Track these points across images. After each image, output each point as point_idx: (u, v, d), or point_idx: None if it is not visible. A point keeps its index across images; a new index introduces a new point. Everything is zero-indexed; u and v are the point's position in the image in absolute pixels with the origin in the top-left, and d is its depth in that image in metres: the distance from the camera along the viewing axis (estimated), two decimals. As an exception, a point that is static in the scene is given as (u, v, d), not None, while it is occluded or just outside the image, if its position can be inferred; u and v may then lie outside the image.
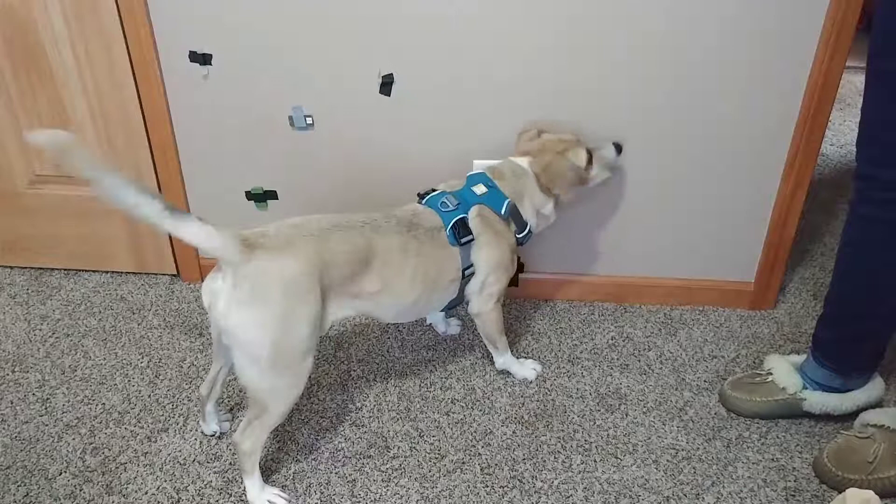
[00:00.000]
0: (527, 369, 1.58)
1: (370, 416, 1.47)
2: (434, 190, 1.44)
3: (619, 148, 1.55)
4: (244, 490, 1.30)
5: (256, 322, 1.13)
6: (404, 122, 1.64)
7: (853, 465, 1.29)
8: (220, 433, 1.42)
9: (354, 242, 1.24)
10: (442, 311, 1.49)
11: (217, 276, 1.15)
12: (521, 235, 1.46)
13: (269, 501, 1.28)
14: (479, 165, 1.66)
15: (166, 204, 1.06)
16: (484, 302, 1.46)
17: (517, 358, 1.59)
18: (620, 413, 1.48)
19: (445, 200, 1.39)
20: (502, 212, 1.41)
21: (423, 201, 1.41)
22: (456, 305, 1.47)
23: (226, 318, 1.13)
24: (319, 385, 1.55)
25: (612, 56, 1.51)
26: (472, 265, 1.40)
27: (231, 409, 1.48)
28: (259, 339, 1.14)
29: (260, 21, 1.55)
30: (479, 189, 1.42)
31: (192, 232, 1.08)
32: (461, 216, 1.37)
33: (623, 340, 1.68)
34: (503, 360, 1.56)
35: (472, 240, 1.38)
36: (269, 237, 1.16)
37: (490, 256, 1.41)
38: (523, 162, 1.47)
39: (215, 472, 1.34)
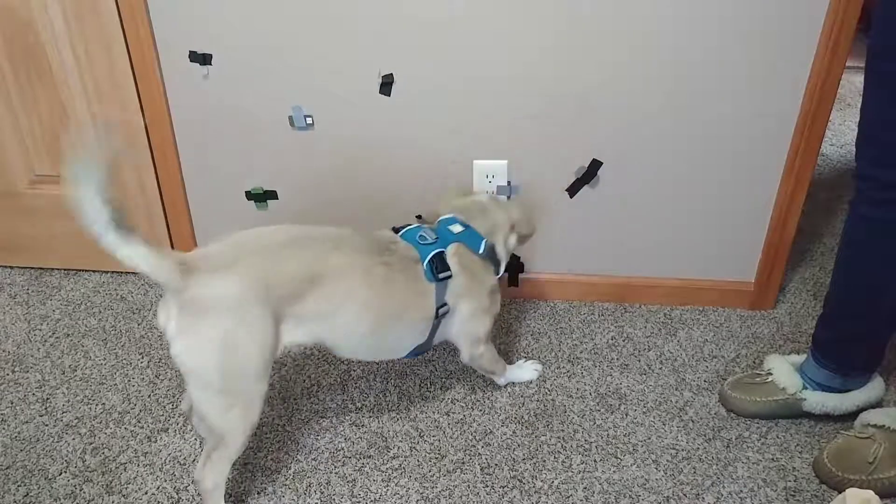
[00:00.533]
0: (528, 372, 1.57)
1: (370, 416, 1.47)
2: (408, 225, 1.37)
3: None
4: (244, 490, 1.31)
5: (199, 348, 1.09)
6: (404, 122, 1.64)
7: (853, 465, 1.29)
8: None
9: (306, 259, 1.17)
10: (406, 357, 1.38)
11: (166, 302, 1.10)
12: (498, 275, 1.42)
13: None
14: (479, 166, 1.67)
15: (116, 217, 0.99)
16: (473, 348, 1.41)
17: (515, 364, 1.58)
18: (620, 413, 1.48)
19: (424, 234, 1.33)
20: (480, 251, 1.36)
21: (399, 234, 1.34)
22: (423, 352, 1.40)
23: (173, 346, 1.09)
24: (319, 385, 1.55)
25: (612, 56, 1.51)
26: (445, 304, 1.32)
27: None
28: (204, 366, 1.09)
29: (260, 21, 1.55)
30: (456, 228, 1.36)
31: (129, 253, 1.02)
32: (439, 250, 1.31)
33: (623, 340, 1.68)
34: (504, 379, 1.54)
35: (450, 276, 1.31)
36: (209, 258, 1.11)
37: (468, 300, 1.34)
38: (486, 198, 1.44)
39: (215, 472, 1.34)
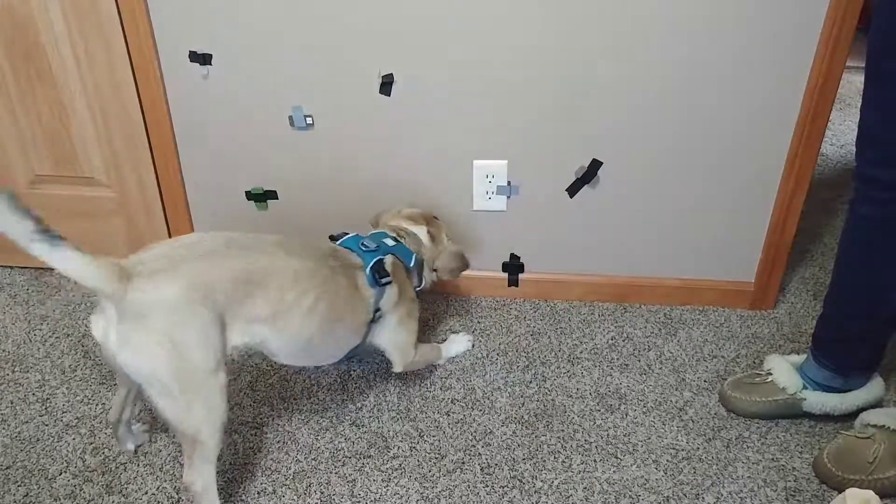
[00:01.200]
0: (462, 344, 1.65)
1: (370, 416, 1.47)
2: (346, 234, 1.43)
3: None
4: (244, 490, 1.31)
5: (149, 354, 1.08)
6: (404, 122, 1.64)
7: (853, 465, 1.29)
8: (139, 446, 1.39)
9: (249, 261, 1.17)
10: (339, 361, 1.43)
11: (102, 311, 1.09)
12: (417, 289, 1.50)
13: None
14: (479, 166, 1.67)
15: (40, 226, 0.98)
16: (405, 357, 1.47)
17: (445, 342, 1.64)
18: (620, 413, 1.48)
19: (365, 242, 1.39)
20: (411, 264, 1.44)
21: (338, 242, 1.39)
22: (353, 357, 1.46)
23: (119, 355, 1.08)
24: (319, 385, 1.55)
25: (613, 56, 1.51)
26: (380, 309, 1.36)
27: (149, 421, 1.44)
28: (156, 370, 1.09)
29: (260, 21, 1.55)
30: (389, 241, 1.43)
31: (63, 260, 1.01)
32: (381, 258, 1.37)
33: (623, 340, 1.68)
34: (442, 359, 1.61)
35: (390, 282, 1.36)
36: (145, 264, 1.09)
37: (399, 305, 1.41)
38: (421, 231, 1.51)
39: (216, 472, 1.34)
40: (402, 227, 1.50)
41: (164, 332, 1.07)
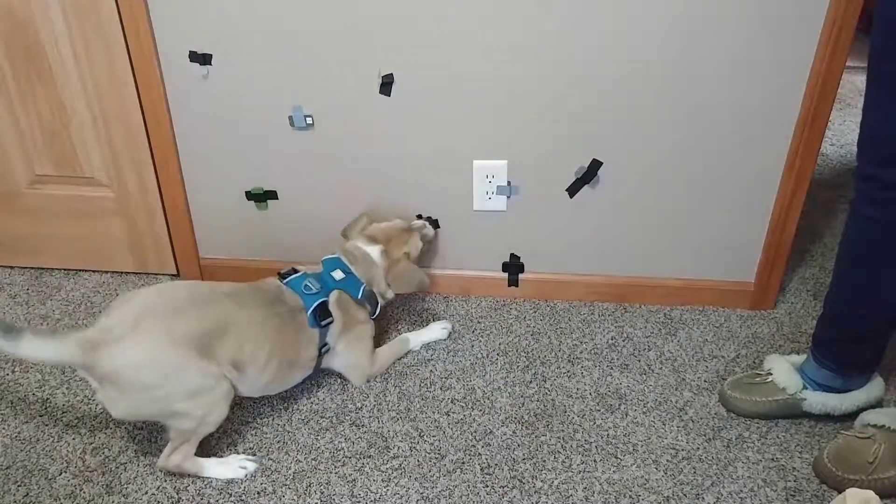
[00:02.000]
0: (436, 331, 1.68)
1: (370, 416, 1.47)
2: (295, 271, 1.48)
3: (435, 223, 1.70)
4: (244, 490, 1.31)
5: (137, 406, 1.21)
6: (404, 122, 1.64)
7: (853, 465, 1.29)
8: None
9: (209, 317, 1.25)
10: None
11: (87, 379, 1.20)
12: (374, 316, 1.55)
13: (241, 468, 1.34)
14: (479, 166, 1.67)
15: (3, 326, 1.09)
16: (362, 376, 1.55)
17: (424, 328, 1.69)
18: (620, 413, 1.48)
19: (308, 283, 1.43)
20: (359, 296, 1.49)
21: (285, 282, 1.44)
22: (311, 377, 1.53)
23: (115, 413, 1.22)
24: (319, 385, 1.55)
25: (613, 56, 1.51)
26: (327, 344, 1.45)
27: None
28: (151, 413, 1.23)
29: (260, 21, 1.55)
30: (338, 275, 1.48)
31: (32, 351, 1.11)
32: (322, 300, 1.43)
33: (623, 340, 1.68)
34: (412, 344, 1.65)
35: (332, 322, 1.44)
36: (111, 331, 1.16)
37: (347, 340, 1.49)
38: (374, 251, 1.54)
39: (215, 472, 1.35)
40: (358, 248, 1.54)
41: (144, 390, 1.18)
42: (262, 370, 1.34)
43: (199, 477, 1.33)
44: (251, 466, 1.34)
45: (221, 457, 1.36)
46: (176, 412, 1.23)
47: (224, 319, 1.27)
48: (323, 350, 1.45)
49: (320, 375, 1.57)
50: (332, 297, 1.45)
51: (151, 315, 1.20)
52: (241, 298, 1.32)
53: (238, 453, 1.38)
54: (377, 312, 1.55)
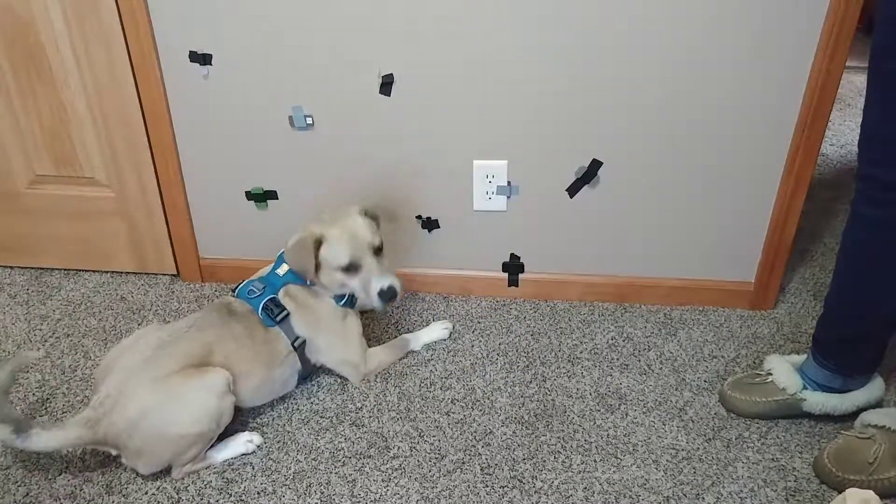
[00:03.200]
0: (437, 331, 1.67)
1: (370, 416, 1.47)
2: (241, 282, 1.49)
3: (385, 294, 1.40)
4: (244, 490, 1.31)
5: (163, 447, 1.27)
6: (404, 122, 1.64)
7: (853, 465, 1.29)
8: None
9: (185, 351, 1.31)
10: (298, 385, 1.53)
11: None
12: (342, 303, 1.48)
13: (248, 441, 1.38)
14: (479, 166, 1.67)
15: (15, 425, 1.18)
16: (357, 373, 1.54)
17: (424, 328, 1.68)
18: (620, 413, 1.48)
19: (252, 288, 1.45)
20: (307, 282, 1.46)
21: (235, 293, 1.46)
22: (310, 374, 1.54)
23: (144, 469, 1.30)
24: (319, 385, 1.55)
25: (612, 56, 1.51)
26: (298, 336, 1.45)
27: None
28: (179, 447, 1.28)
29: (260, 21, 1.55)
30: (282, 269, 1.46)
31: (44, 444, 1.20)
32: (269, 297, 1.43)
33: (623, 340, 1.68)
34: (413, 345, 1.64)
35: (288, 314, 1.43)
36: (104, 403, 1.25)
37: (321, 334, 1.47)
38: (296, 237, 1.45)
39: (215, 472, 1.34)
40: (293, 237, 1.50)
41: (156, 431, 1.25)
42: (247, 376, 1.37)
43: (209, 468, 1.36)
44: (257, 439, 1.39)
45: (225, 440, 1.39)
46: (195, 436, 1.28)
47: (197, 347, 1.32)
48: (296, 343, 1.44)
49: (319, 375, 1.57)
50: (282, 292, 1.44)
51: (133, 374, 1.27)
52: (201, 324, 1.37)
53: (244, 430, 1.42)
54: (348, 301, 1.48)
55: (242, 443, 1.38)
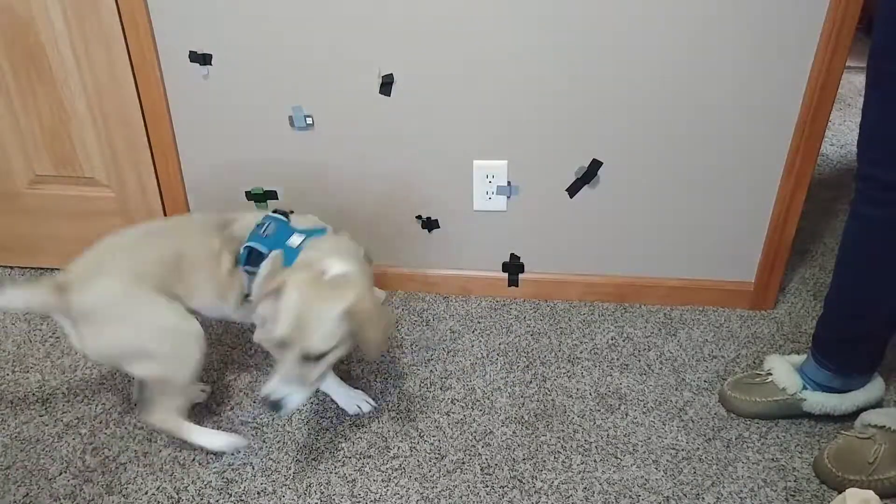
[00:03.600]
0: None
1: (370, 416, 1.47)
2: (292, 212, 1.40)
3: (267, 402, 1.15)
4: (244, 490, 1.31)
5: (108, 346, 1.23)
6: (404, 122, 1.64)
7: (853, 465, 1.29)
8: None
9: (165, 245, 1.30)
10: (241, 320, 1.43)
11: (62, 325, 1.25)
12: None
13: (231, 442, 1.36)
14: (479, 166, 1.67)
15: None
16: None
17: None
18: (620, 413, 1.48)
19: (268, 229, 1.32)
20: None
21: (262, 217, 1.36)
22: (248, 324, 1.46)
23: (87, 352, 1.24)
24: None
25: (612, 56, 1.51)
26: (249, 295, 1.34)
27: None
28: (122, 353, 1.24)
29: (260, 21, 1.55)
30: (295, 240, 1.31)
31: (5, 300, 1.18)
32: (252, 247, 1.30)
33: (623, 340, 1.68)
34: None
35: (253, 273, 1.31)
36: (76, 272, 1.23)
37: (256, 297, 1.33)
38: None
39: (215, 472, 1.34)
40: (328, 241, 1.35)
41: (116, 323, 1.22)
42: (200, 294, 1.31)
43: (186, 442, 1.35)
44: (241, 443, 1.37)
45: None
46: (147, 352, 1.24)
47: (172, 251, 1.29)
48: (246, 300, 1.34)
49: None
50: (272, 254, 1.30)
51: (114, 256, 1.27)
52: (188, 229, 1.34)
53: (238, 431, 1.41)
54: None
55: (225, 440, 1.36)
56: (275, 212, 1.39)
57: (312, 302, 1.14)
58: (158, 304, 1.25)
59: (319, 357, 1.16)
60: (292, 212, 1.43)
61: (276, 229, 1.34)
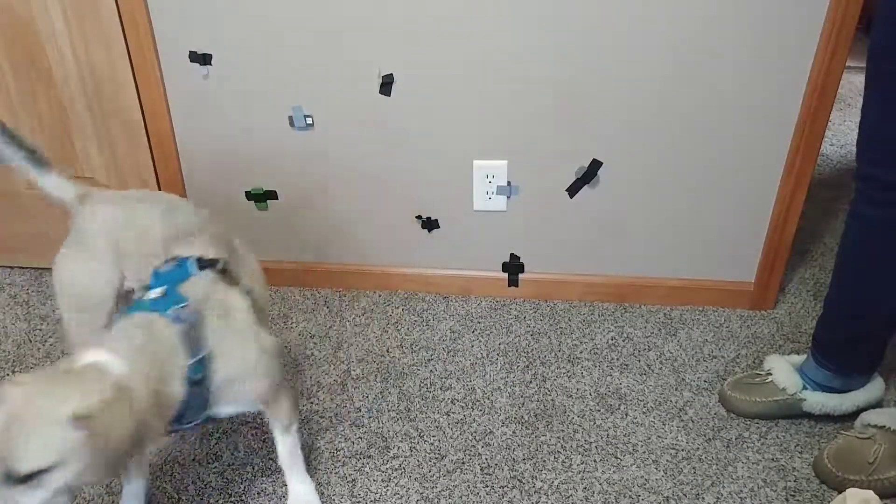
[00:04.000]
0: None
1: (370, 417, 1.47)
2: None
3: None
4: (244, 489, 1.31)
5: (57, 269, 1.22)
6: (404, 122, 1.64)
7: (853, 465, 1.29)
8: None
9: (168, 223, 1.20)
10: None
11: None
12: None
13: None
14: (479, 166, 1.67)
15: (28, 154, 1.16)
16: None
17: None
18: (620, 413, 1.48)
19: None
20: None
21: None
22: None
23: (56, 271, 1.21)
24: (319, 385, 1.55)
25: (613, 56, 1.51)
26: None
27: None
28: (57, 283, 1.22)
29: (260, 21, 1.55)
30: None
31: (54, 186, 1.19)
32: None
33: (623, 340, 1.68)
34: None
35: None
36: (100, 193, 1.23)
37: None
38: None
39: (215, 473, 1.35)
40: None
41: (69, 257, 1.22)
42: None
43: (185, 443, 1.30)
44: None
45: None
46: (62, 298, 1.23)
47: (182, 225, 1.25)
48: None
49: (320, 377, 1.57)
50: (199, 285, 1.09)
51: (132, 199, 1.23)
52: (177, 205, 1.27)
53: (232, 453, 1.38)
54: None
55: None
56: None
57: (30, 403, 0.83)
58: (96, 278, 1.22)
59: (30, 478, 0.81)
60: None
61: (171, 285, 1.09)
